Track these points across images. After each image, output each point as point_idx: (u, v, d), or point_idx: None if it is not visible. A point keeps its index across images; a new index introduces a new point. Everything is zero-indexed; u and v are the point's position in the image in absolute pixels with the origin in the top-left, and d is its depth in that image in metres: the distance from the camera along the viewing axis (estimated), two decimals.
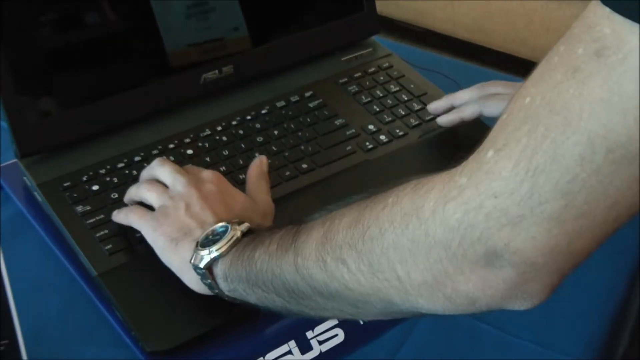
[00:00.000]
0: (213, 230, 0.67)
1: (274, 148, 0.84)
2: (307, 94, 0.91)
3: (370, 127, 0.88)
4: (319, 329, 0.72)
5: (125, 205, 0.76)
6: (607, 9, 0.44)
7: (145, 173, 0.76)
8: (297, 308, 0.61)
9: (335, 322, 0.72)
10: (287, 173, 0.82)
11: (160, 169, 0.74)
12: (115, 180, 0.79)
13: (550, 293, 0.51)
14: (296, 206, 0.79)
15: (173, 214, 0.70)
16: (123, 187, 0.78)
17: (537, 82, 0.48)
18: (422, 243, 0.51)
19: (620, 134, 0.44)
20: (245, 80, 0.90)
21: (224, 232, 0.66)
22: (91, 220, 0.75)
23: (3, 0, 0.75)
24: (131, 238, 0.74)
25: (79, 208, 0.76)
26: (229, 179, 0.75)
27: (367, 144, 0.86)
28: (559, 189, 0.46)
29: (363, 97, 0.92)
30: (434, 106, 0.90)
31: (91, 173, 0.80)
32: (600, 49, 0.44)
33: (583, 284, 0.77)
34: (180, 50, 0.86)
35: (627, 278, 0.82)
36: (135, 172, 0.80)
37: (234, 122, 0.86)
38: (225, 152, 0.83)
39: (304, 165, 0.83)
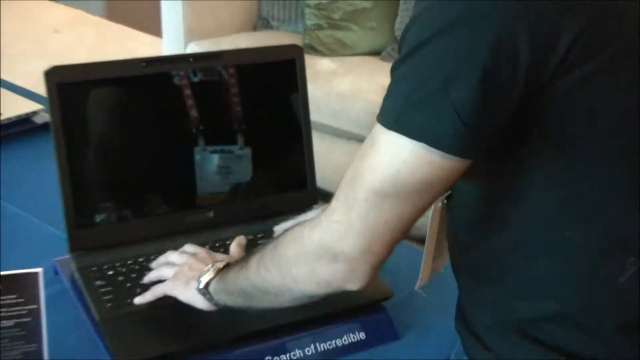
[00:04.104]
0: (207, 270, 1.14)
1: None
2: (259, 235, 1.39)
3: None
4: None
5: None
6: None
7: (161, 259, 1.25)
8: (252, 304, 1.07)
9: None
10: None
11: (170, 254, 1.24)
12: (124, 270, 1.28)
13: (369, 279, 0.94)
14: None
15: (182, 274, 1.18)
16: (128, 275, 1.27)
17: (353, 163, 0.92)
18: (302, 253, 0.97)
19: (378, 183, 0.89)
20: (220, 223, 1.39)
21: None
22: (103, 290, 1.23)
23: (75, 149, 1.28)
24: (124, 303, 1.21)
25: (98, 282, 1.25)
26: None
27: None
28: (361, 216, 0.90)
29: None
30: None
31: (110, 264, 1.28)
32: (373, 143, 0.90)
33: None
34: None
35: None
36: (137, 267, 1.29)
37: (207, 246, 1.34)
38: None
39: None
